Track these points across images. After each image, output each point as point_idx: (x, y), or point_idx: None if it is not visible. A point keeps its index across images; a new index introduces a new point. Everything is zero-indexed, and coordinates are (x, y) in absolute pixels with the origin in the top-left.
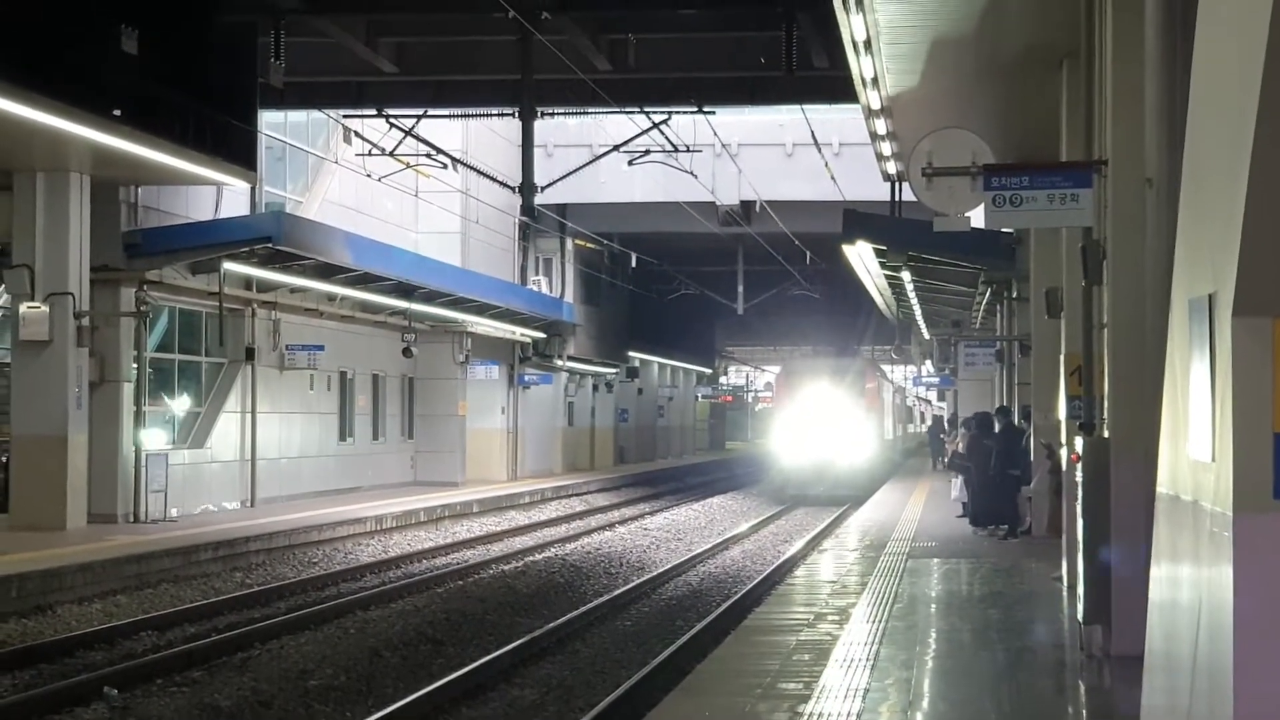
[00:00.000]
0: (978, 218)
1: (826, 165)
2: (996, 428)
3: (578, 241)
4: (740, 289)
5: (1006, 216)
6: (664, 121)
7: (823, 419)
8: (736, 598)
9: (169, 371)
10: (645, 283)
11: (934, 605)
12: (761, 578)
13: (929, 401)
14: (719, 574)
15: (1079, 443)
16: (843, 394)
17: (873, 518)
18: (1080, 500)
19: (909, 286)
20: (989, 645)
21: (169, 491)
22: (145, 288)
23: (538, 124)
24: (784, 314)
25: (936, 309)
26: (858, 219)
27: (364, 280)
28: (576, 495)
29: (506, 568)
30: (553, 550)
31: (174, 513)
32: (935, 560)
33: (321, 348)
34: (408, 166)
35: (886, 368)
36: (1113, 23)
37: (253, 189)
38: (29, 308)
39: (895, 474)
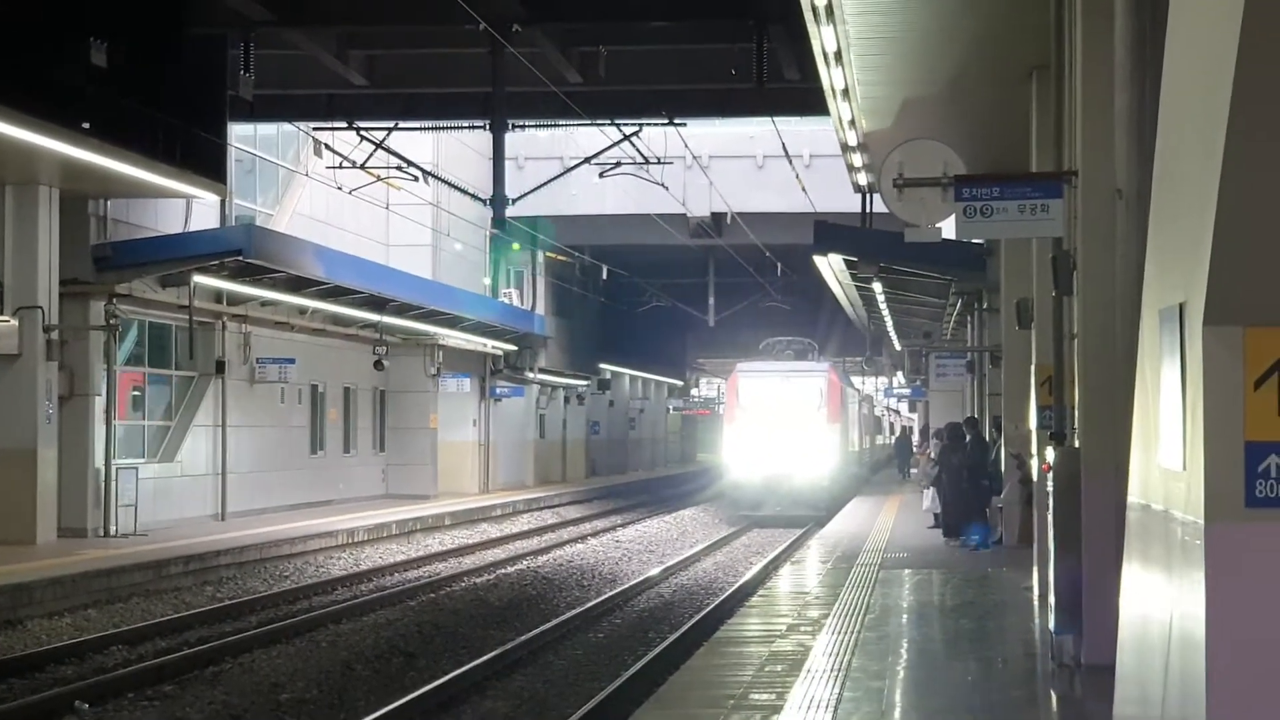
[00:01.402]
0: (949, 229)
1: (797, 177)
2: (967, 438)
3: (549, 254)
4: (711, 301)
5: (977, 227)
6: (635, 134)
7: (778, 429)
8: (709, 609)
9: (140, 385)
10: (616, 295)
11: (906, 616)
12: (734, 589)
13: (898, 412)
14: (691, 586)
15: (1050, 453)
16: (801, 401)
17: (845, 530)
18: (1051, 510)
19: (880, 298)
20: (961, 655)
21: (139, 506)
22: (115, 301)
23: (509, 137)
24: (756, 326)
25: (908, 320)
26: (829, 230)
27: (335, 293)
28: (548, 508)
29: (479, 580)
30: (525, 563)
31: (144, 527)
32: (907, 571)
33: (292, 361)
34: (378, 179)
35: (858, 379)
36: (1082, 34)
37: (222, 202)
38: None
39: (864, 488)
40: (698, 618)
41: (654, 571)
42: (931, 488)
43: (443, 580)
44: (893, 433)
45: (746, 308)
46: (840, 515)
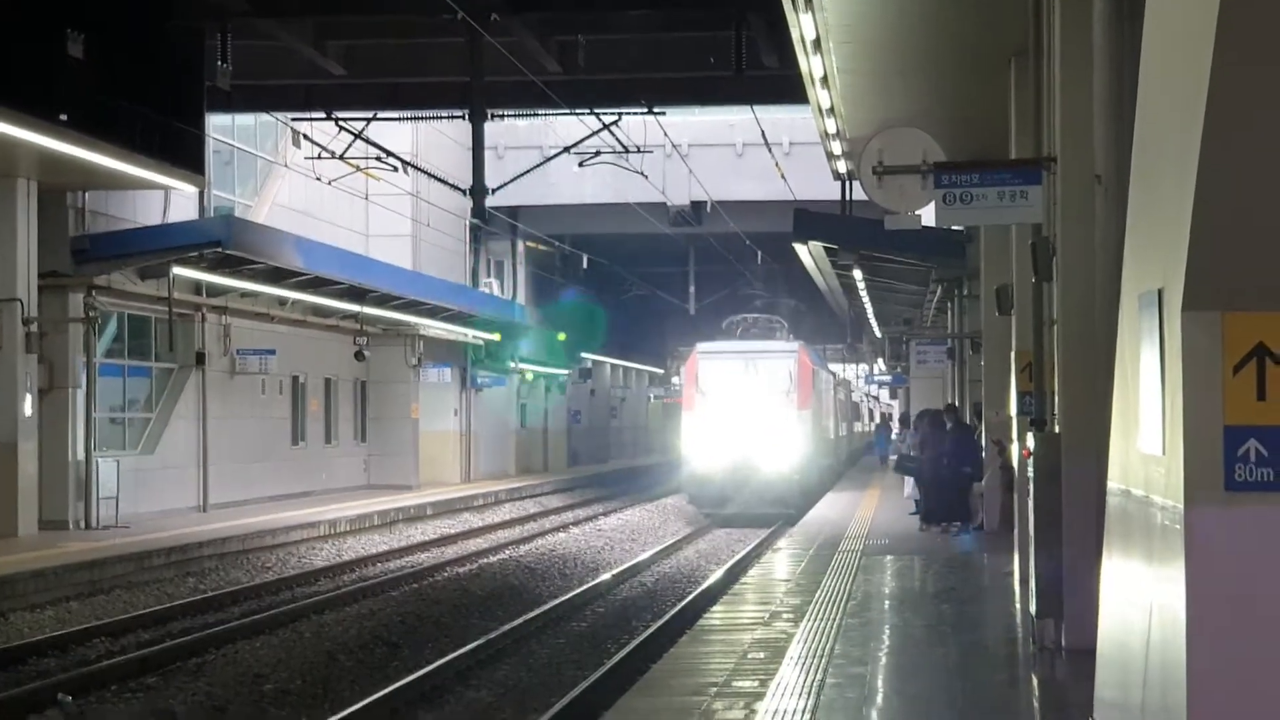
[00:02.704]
0: (928, 216)
1: (777, 165)
2: (948, 425)
3: (529, 244)
4: (692, 289)
5: (957, 214)
6: (614, 123)
7: (741, 416)
8: (691, 597)
9: (118, 377)
10: (597, 284)
11: (888, 602)
12: (716, 577)
13: (877, 399)
14: (673, 574)
15: (1030, 438)
16: (767, 385)
17: (826, 517)
18: (1032, 496)
19: (860, 285)
20: (942, 640)
21: (120, 497)
22: (94, 293)
23: (488, 126)
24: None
25: (888, 307)
26: (809, 218)
27: (315, 284)
28: (530, 497)
29: (461, 570)
30: (507, 552)
31: (125, 519)
32: (889, 558)
33: (273, 352)
34: (357, 170)
35: (838, 366)
36: (1060, 19)
37: (201, 193)
38: None
39: (844, 476)
40: (680, 605)
41: (637, 560)
42: (906, 474)
43: (425, 570)
44: (871, 420)
45: (727, 296)
46: (821, 503)
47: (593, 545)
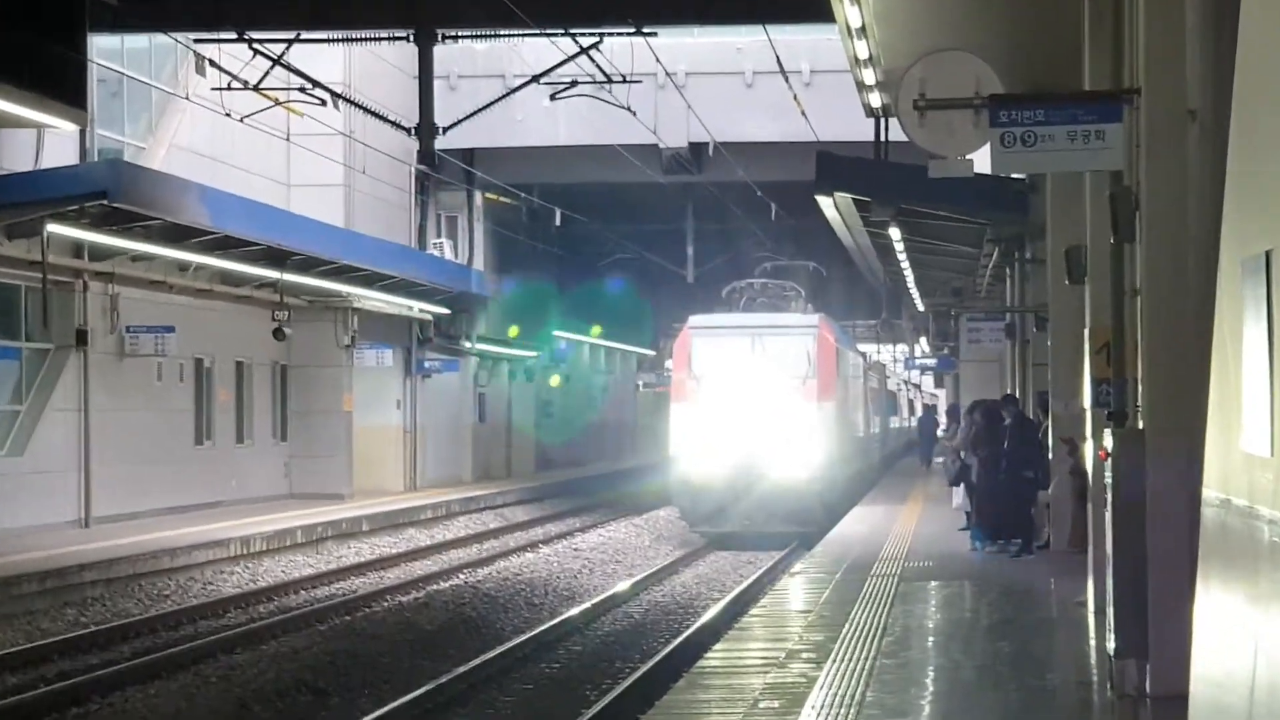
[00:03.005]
0: (982, 161)
1: (795, 98)
2: (1006, 420)
3: (489, 196)
4: (690, 251)
5: (1017, 159)
6: (594, 46)
7: (747, 408)
8: (689, 632)
9: None
10: (573, 245)
11: (932, 638)
12: (721, 607)
13: (917, 387)
14: (668, 604)
15: (1107, 436)
16: (779, 369)
17: (854, 534)
18: (1110, 507)
19: (898, 246)
20: (999, 685)
21: None
22: None
23: (438, 50)
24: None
25: (932, 274)
26: (834, 165)
27: (224, 245)
28: (490, 508)
29: (405, 599)
30: (462, 577)
31: None
32: (933, 583)
33: (172, 329)
34: (277, 103)
35: (870, 347)
36: None
37: (82, 132)
38: None
39: (875, 485)
40: (676, 643)
41: (622, 586)
42: (958, 484)
43: (360, 599)
44: (912, 413)
45: (734, 260)
46: (849, 517)
47: (567, 568)
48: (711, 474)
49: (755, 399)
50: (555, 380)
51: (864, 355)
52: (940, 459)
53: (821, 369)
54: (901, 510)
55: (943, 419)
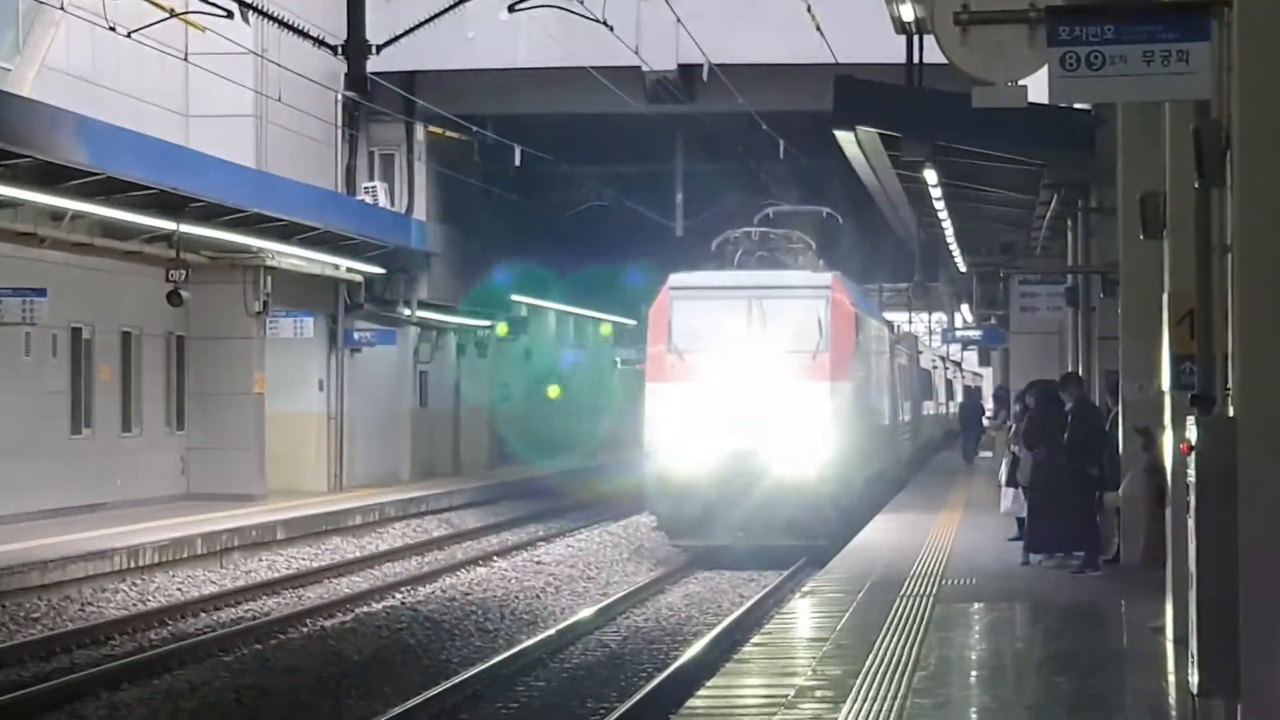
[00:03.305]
0: (1038, 88)
1: (809, 9)
2: (1066, 405)
3: (433, 130)
4: (679, 198)
5: (1082, 85)
6: None
7: (741, 390)
8: (678, 665)
9: None
10: (537, 191)
11: (975, 673)
12: (716, 634)
13: (958, 365)
14: (651, 630)
15: (1191, 425)
16: (785, 339)
17: (880, 545)
18: (1193, 512)
19: (935, 193)
20: None
21: None
22: None
23: None
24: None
25: (978, 227)
26: (857, 92)
27: (108, 189)
28: (434, 513)
29: (328, 623)
30: (399, 596)
31: None
32: (976, 605)
33: (43, 293)
34: (173, 14)
35: (899, 317)
36: None
37: None
38: None
39: (906, 486)
40: (661, 678)
41: (595, 608)
42: (1012, 484)
43: (274, 624)
44: (951, 397)
45: (731, 209)
46: (873, 525)
47: (528, 586)
48: (696, 473)
49: (752, 378)
50: (520, 353)
51: (891, 325)
52: (986, 453)
53: (836, 341)
54: (937, 517)
55: (990, 405)
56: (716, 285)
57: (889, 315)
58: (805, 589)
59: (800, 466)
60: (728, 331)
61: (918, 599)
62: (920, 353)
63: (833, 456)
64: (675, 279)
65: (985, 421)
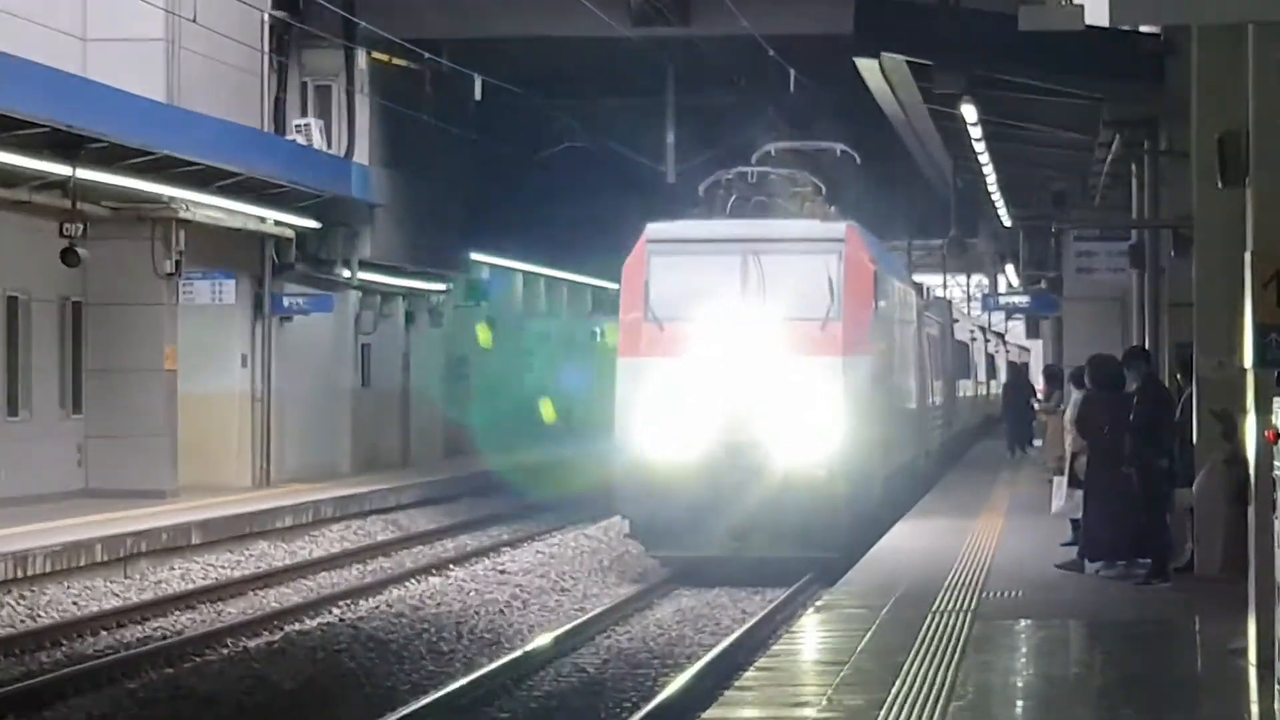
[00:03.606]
0: (1097, 8)
1: None
2: (1131, 385)
3: (377, 57)
4: (670, 139)
5: (1149, 3)
6: None
7: (734, 368)
8: (667, 694)
9: None
10: (501, 129)
11: (1020, 703)
12: (713, 656)
13: (1000, 337)
14: (637, 652)
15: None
16: (787, 303)
17: (909, 551)
18: None
19: (974, 132)
20: None
21: None
22: None
23: None
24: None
25: (1025, 172)
26: (882, 12)
27: None
28: (379, 512)
29: (252, 644)
30: (336, 612)
31: None
32: (1023, 622)
33: None
34: None
35: (931, 280)
36: None
37: None
38: None
39: (938, 482)
40: (648, 709)
41: (569, 625)
42: (1061, 476)
43: (189, 644)
44: (992, 375)
45: (731, 152)
46: (899, 529)
47: (490, 600)
48: (679, 469)
49: (747, 353)
50: (481, 330)
51: (921, 289)
52: (1038, 442)
53: (851, 306)
54: (976, 520)
55: (1041, 385)
56: (704, 238)
57: (919, 277)
58: (819, 603)
59: (807, 461)
60: (718, 295)
61: (952, 615)
62: (955, 322)
63: (847, 448)
64: (653, 230)
65: (1036, 404)
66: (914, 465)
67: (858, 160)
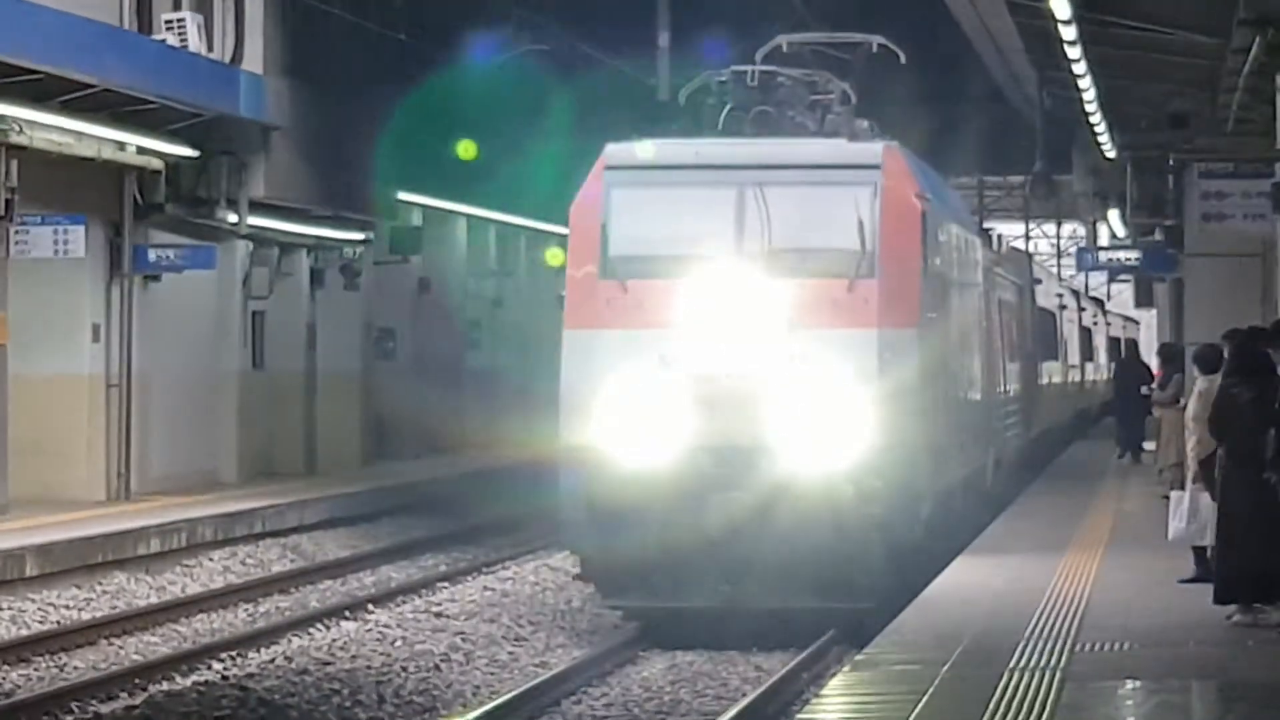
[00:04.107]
0: None
1: None
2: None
3: None
4: (663, 42)
5: None
6: None
7: (726, 346)
8: None
9: None
10: (437, 29)
11: None
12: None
13: (1100, 304)
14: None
15: None
16: (802, 256)
17: (975, 588)
18: None
19: (1068, 34)
20: None
21: None
22: None
23: None
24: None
25: (1134, 88)
26: None
27: None
28: (275, 535)
29: (106, 709)
30: (218, 666)
31: None
32: (1131, 685)
33: None
34: None
35: (1008, 229)
36: None
37: None
38: None
39: (1019, 497)
40: None
41: (525, 687)
42: (1181, 490)
43: (22, 709)
44: (1089, 354)
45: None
46: (960, 562)
47: (422, 652)
48: (648, 486)
49: (744, 324)
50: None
51: (990, 237)
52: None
53: (890, 258)
54: (1066, 551)
55: (1156, 366)
56: (686, 163)
57: (990, 225)
58: (856, 657)
59: (827, 473)
60: (704, 242)
61: (1035, 674)
62: (1038, 283)
63: (883, 456)
64: (614, 153)
65: (1151, 393)
66: (979, 478)
67: (902, 59)
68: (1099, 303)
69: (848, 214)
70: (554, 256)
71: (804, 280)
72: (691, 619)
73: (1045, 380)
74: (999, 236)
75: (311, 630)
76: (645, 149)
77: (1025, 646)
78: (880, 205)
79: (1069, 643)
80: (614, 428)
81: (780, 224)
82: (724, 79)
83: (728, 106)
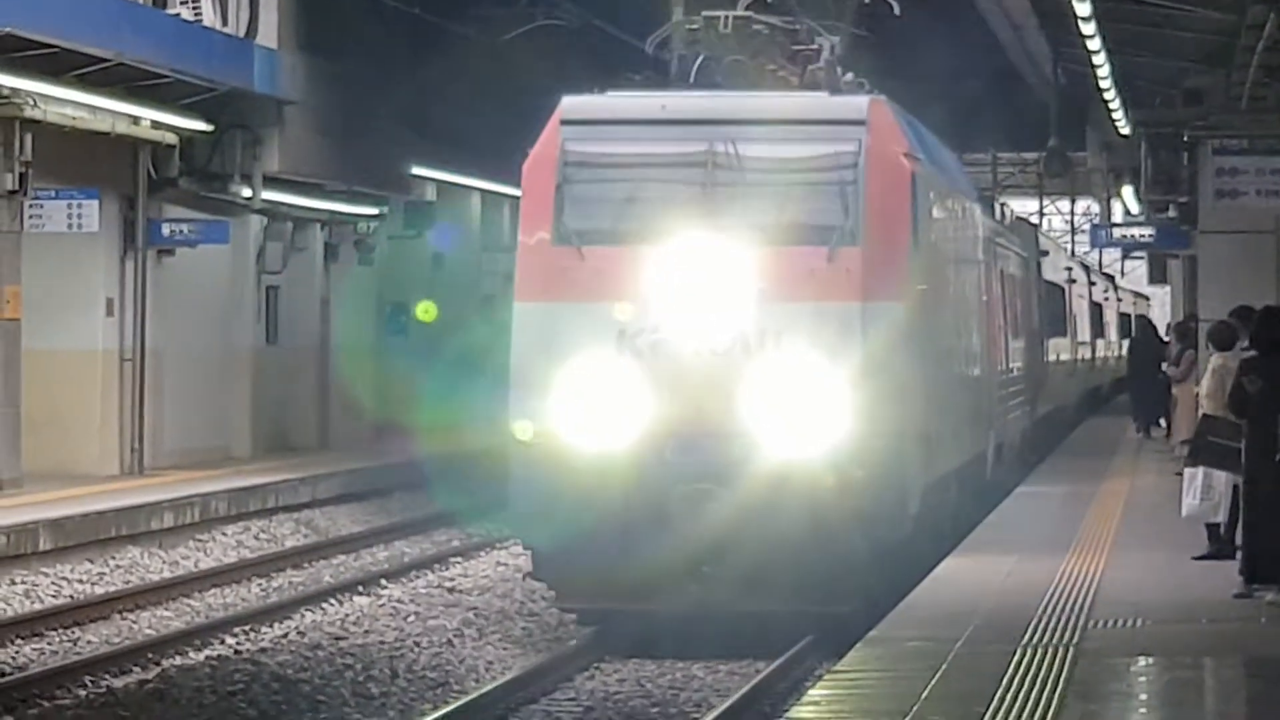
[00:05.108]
0: None
1: None
2: None
3: None
4: (678, 16)
5: None
6: None
7: (695, 326)
8: None
9: None
10: (453, 4)
11: None
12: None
13: (1110, 280)
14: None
15: None
16: (778, 222)
17: (994, 566)
18: None
19: (1082, 9)
20: None
21: None
22: None
23: None
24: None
25: (1150, 63)
26: None
27: None
28: (288, 510)
29: (119, 683)
30: (231, 641)
31: None
32: (1143, 662)
33: None
34: None
35: (1020, 204)
36: None
37: None
38: None
39: (1028, 476)
40: None
41: (536, 662)
42: (1195, 467)
43: (35, 683)
44: (1099, 331)
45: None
46: (963, 550)
47: (435, 627)
48: (606, 474)
49: (713, 294)
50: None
51: (992, 206)
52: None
53: (876, 223)
54: (1080, 528)
55: (1172, 344)
56: (649, 118)
57: (1006, 202)
58: (868, 640)
59: (805, 460)
60: (669, 205)
61: (1049, 650)
62: (1045, 255)
63: (868, 441)
64: (571, 106)
65: (1169, 371)
66: (978, 467)
67: (896, 8)
68: (1109, 278)
69: (829, 175)
70: None
71: (780, 248)
72: (655, 623)
73: (1053, 358)
74: (1003, 205)
75: (324, 605)
76: (605, 102)
77: (1038, 623)
78: (865, 165)
79: (1082, 619)
80: (568, 411)
81: (754, 186)
82: (695, 25)
83: (699, 58)
